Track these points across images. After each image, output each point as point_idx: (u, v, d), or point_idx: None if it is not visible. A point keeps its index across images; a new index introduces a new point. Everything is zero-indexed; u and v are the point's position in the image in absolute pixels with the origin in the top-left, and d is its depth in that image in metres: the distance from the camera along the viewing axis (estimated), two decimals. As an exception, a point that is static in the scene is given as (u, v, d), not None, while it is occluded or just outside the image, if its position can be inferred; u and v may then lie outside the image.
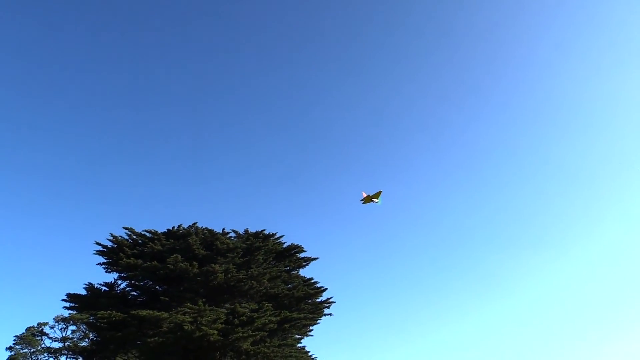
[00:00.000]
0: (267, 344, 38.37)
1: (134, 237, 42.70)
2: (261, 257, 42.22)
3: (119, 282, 41.25)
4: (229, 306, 38.30)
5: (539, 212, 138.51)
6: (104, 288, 40.40)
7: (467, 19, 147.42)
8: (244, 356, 37.71)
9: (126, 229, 42.65)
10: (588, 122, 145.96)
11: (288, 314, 39.50)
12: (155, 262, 38.65)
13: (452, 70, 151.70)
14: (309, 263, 46.31)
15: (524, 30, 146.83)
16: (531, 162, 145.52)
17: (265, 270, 41.23)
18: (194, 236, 42.02)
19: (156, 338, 34.87)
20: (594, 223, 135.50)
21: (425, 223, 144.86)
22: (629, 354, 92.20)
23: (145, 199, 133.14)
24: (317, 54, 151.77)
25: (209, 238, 42.63)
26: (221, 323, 36.19)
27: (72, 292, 39.62)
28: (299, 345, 45.47)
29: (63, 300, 39.96)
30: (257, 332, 36.47)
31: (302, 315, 40.31)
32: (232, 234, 45.04)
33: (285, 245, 45.61)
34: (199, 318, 35.47)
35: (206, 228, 43.65)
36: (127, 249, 40.71)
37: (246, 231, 44.90)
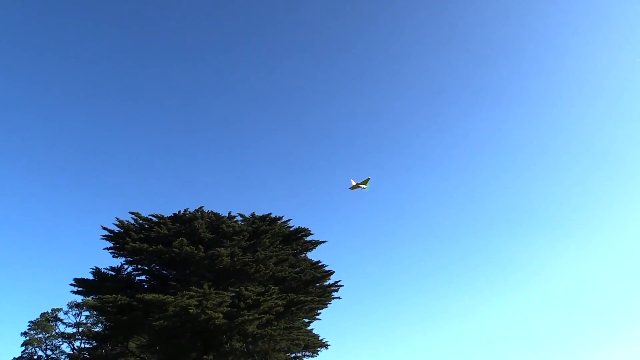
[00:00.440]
0: (273, 327, 38.10)
1: (140, 221, 42.60)
2: (267, 241, 41.85)
3: (126, 266, 41.22)
4: (234, 289, 37.97)
5: (562, 198, 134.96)
6: (110, 273, 40.40)
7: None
8: (250, 339, 37.55)
9: (132, 213, 42.56)
10: (619, 104, 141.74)
11: (295, 296, 39.15)
12: (160, 246, 38.52)
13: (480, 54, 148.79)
14: (316, 246, 45.87)
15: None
16: (553, 145, 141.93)
17: (271, 254, 40.85)
18: (199, 220, 41.78)
19: (161, 322, 34.76)
20: (621, 208, 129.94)
21: (440, 210, 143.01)
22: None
23: (154, 184, 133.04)
24: (322, 53, 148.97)
25: (215, 222, 42.40)
26: (226, 306, 36.03)
27: (79, 277, 39.76)
28: (308, 328, 45.23)
29: (71, 284, 40.22)
30: (262, 315, 36.16)
31: (309, 299, 39.90)
32: (239, 218, 44.72)
33: (292, 229, 45.18)
34: (204, 301, 35.28)
35: (212, 212, 43.45)
36: (133, 234, 40.66)
37: (252, 215, 44.53)
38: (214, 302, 35.48)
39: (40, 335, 66.03)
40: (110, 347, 50.54)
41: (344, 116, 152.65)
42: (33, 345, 64.75)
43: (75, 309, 67.92)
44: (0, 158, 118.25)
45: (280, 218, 44.58)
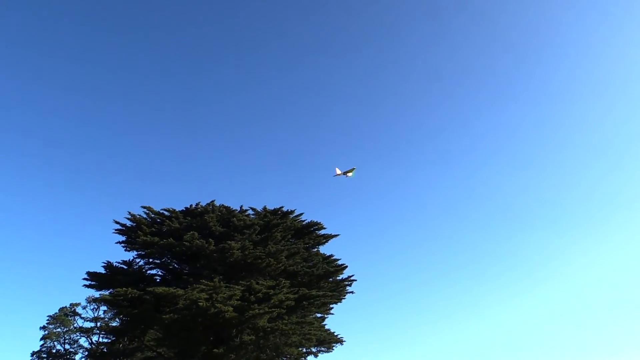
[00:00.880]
0: (284, 321, 37.71)
1: (152, 215, 42.58)
2: (279, 234, 41.46)
3: (137, 260, 41.24)
4: (245, 283, 37.65)
5: (580, 196, 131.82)
6: (122, 266, 40.42)
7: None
8: (261, 333, 37.15)
9: (144, 207, 42.60)
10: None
11: (306, 291, 38.68)
12: (171, 240, 38.40)
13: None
14: (328, 240, 45.36)
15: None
16: (572, 142, 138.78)
17: (283, 247, 40.44)
18: (210, 214, 41.58)
19: (172, 315, 34.63)
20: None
21: (457, 207, 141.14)
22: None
23: (167, 180, 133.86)
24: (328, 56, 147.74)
25: (226, 215, 42.17)
26: (237, 300, 35.67)
27: (91, 271, 39.87)
28: (321, 324, 44.72)
29: (84, 279, 40.36)
30: (273, 309, 35.76)
31: (321, 293, 39.42)
32: (251, 212, 44.47)
33: (304, 223, 44.72)
34: (214, 295, 35.02)
35: (223, 205, 43.24)
36: (145, 227, 40.67)
37: (264, 208, 44.18)
38: (224, 295, 35.19)
39: (59, 330, 66.95)
40: (127, 342, 50.89)
41: (359, 113, 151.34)
42: (52, 340, 65.70)
43: (93, 304, 68.80)
44: (19, 158, 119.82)
45: (292, 212, 44.17)
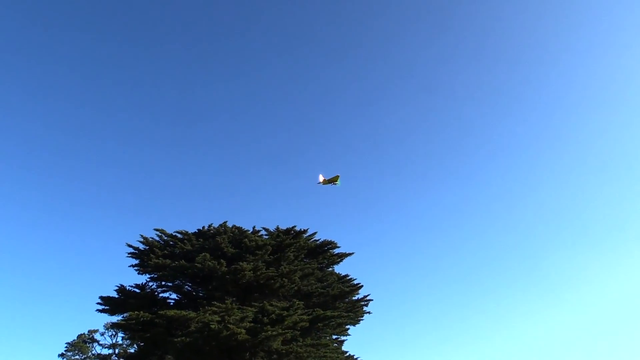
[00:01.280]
0: (299, 343, 36.81)
1: (165, 238, 42.34)
2: (292, 254, 40.81)
3: (150, 283, 40.90)
4: (258, 305, 36.97)
5: (614, 208, 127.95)
6: (135, 290, 40.11)
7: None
8: (275, 356, 36.29)
9: (157, 230, 42.38)
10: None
11: (321, 312, 37.84)
12: (183, 262, 38.04)
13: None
14: (342, 259, 44.56)
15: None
16: (608, 154, 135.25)
17: (296, 268, 39.78)
18: (223, 235, 41.21)
19: (184, 338, 34.04)
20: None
21: (483, 219, 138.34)
22: None
23: (182, 201, 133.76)
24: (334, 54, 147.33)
25: (238, 236, 41.73)
26: (249, 322, 35.02)
27: (104, 295, 39.64)
28: (336, 345, 43.66)
29: (97, 303, 40.10)
30: (287, 331, 34.98)
31: (335, 314, 38.49)
32: (263, 232, 43.96)
33: (317, 242, 44.06)
34: (226, 317, 34.43)
35: (235, 226, 42.86)
36: (157, 250, 40.41)
37: (277, 228, 43.67)
38: (236, 317, 34.58)
39: (77, 357, 66.74)
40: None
41: (371, 125, 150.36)
42: (70, 367, 65.45)
43: (111, 330, 68.64)
44: (44, 179, 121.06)
45: (305, 231, 43.55)
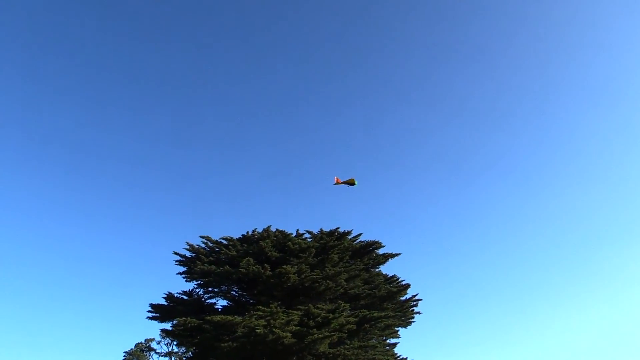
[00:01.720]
0: (346, 346, 36.28)
1: (210, 244, 42.73)
2: (336, 256, 40.28)
3: (197, 289, 41.35)
4: (302, 308, 36.65)
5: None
6: (183, 297, 40.65)
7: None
8: (322, 359, 35.82)
9: (203, 237, 42.88)
10: None
11: (367, 312, 37.15)
12: (227, 267, 38.24)
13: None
14: (387, 259, 43.61)
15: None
16: None
17: (341, 270, 39.24)
18: (266, 239, 41.21)
19: (230, 343, 34.16)
20: None
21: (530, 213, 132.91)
22: None
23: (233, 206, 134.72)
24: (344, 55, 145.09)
25: (282, 240, 41.60)
26: (295, 325, 34.76)
27: (154, 303, 40.36)
28: (387, 348, 42.75)
29: (148, 311, 40.88)
30: (333, 334, 34.50)
31: (382, 314, 37.65)
32: (307, 235, 43.71)
33: (362, 242, 43.37)
34: (271, 321, 34.31)
35: (278, 230, 42.80)
36: (203, 257, 40.84)
37: (320, 230, 43.33)
38: (282, 321, 34.37)
39: (135, 365, 68.64)
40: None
41: (414, 123, 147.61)
42: (129, 375, 67.33)
43: (167, 338, 70.22)
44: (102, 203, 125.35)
45: (349, 232, 42.96)
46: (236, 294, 41.65)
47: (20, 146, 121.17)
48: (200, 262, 40.08)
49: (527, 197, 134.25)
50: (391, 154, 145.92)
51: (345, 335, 35.87)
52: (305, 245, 40.19)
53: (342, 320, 35.55)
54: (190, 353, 66.61)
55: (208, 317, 35.41)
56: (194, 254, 41.94)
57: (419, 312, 43.79)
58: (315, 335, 34.02)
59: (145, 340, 69.73)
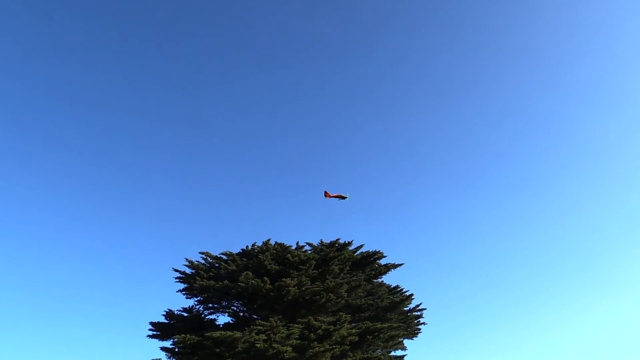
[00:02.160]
0: (349, 359, 35.58)
1: (210, 260, 42.41)
2: (337, 268, 39.79)
3: (197, 306, 40.84)
4: (301, 320, 36.05)
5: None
6: (183, 313, 40.15)
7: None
8: (325, 373, 35.08)
9: (202, 253, 42.59)
10: None
11: (369, 324, 36.50)
12: (226, 282, 37.80)
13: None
14: (389, 270, 43.00)
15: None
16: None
17: (342, 281, 38.68)
18: (265, 252, 40.79)
19: (230, 359, 33.58)
20: None
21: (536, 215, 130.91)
22: None
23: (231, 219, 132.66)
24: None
25: (281, 252, 41.15)
26: (295, 339, 34.15)
27: (154, 321, 39.87)
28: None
29: (149, 329, 40.39)
30: (334, 346, 33.84)
31: (385, 325, 36.94)
32: (308, 247, 43.27)
33: (363, 253, 42.82)
34: (272, 335, 33.75)
35: (277, 243, 42.34)
36: (203, 273, 40.45)
37: (321, 242, 42.89)
38: (282, 335, 33.81)
39: (142, 386, 67.92)
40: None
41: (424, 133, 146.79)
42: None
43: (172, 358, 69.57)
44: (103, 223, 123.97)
45: (349, 243, 42.44)
46: (237, 309, 41.10)
47: (15, 150, 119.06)
48: (200, 278, 39.69)
49: (529, 197, 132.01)
50: (392, 158, 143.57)
51: (347, 347, 35.17)
52: (305, 258, 39.70)
53: (343, 332, 34.90)
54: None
55: (208, 333, 34.85)
56: (193, 270, 41.57)
57: (424, 323, 43.18)
58: (317, 349, 33.38)
59: (151, 361, 68.93)
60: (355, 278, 40.38)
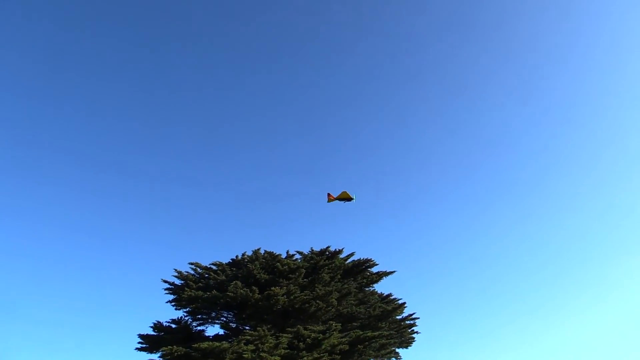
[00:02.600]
0: (340, 368, 34.92)
1: (200, 271, 41.91)
2: (327, 276, 39.25)
3: (186, 317, 40.26)
4: (291, 329, 35.45)
5: None
6: (171, 325, 39.57)
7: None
8: (315, 382, 34.41)
9: (192, 264, 42.08)
10: None
11: (360, 332, 35.90)
12: (215, 292, 37.28)
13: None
14: (381, 278, 42.43)
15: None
16: None
17: (332, 289, 38.14)
18: (255, 262, 40.33)
19: (217, 371, 32.94)
20: None
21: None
22: None
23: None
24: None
25: (270, 261, 40.65)
26: (284, 348, 33.56)
27: (142, 333, 39.28)
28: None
29: (138, 342, 39.77)
30: (323, 355, 33.27)
31: (376, 334, 36.33)
32: (298, 256, 42.79)
33: (354, 261, 42.33)
34: (259, 345, 33.16)
35: (267, 252, 41.87)
36: (192, 283, 39.94)
37: (311, 250, 42.42)
38: (270, 345, 33.19)
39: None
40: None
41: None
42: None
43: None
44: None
45: (340, 251, 41.97)
46: (227, 320, 40.49)
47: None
48: (189, 288, 39.17)
49: (522, 197, 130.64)
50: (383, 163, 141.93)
51: (338, 357, 34.59)
52: (295, 266, 39.22)
53: (333, 340, 34.34)
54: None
55: (196, 345, 34.22)
56: (183, 281, 41.06)
57: (417, 332, 42.53)
58: (306, 358, 32.88)
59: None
60: (346, 286, 39.84)
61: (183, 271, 41.35)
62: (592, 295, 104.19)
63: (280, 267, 39.00)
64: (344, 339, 35.23)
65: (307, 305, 37.10)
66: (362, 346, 36.15)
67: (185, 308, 39.80)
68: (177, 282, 41.19)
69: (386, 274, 42.64)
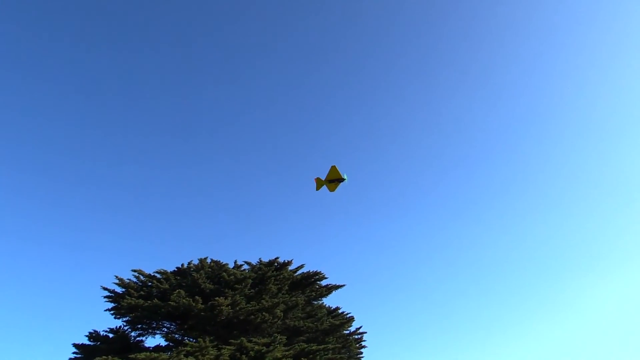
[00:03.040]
0: (283, 382, 33.92)
1: (143, 278, 40.25)
2: (274, 287, 38.35)
3: (126, 326, 38.51)
4: (234, 341, 34.29)
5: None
6: (109, 334, 37.76)
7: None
8: (256, 397, 33.34)
9: (135, 271, 40.37)
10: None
11: (304, 345, 35.09)
12: (156, 301, 35.81)
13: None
14: (331, 291, 41.90)
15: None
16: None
17: (278, 301, 37.25)
18: (200, 270, 39.06)
19: (154, 383, 31.43)
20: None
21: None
22: None
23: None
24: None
25: (217, 271, 39.52)
26: (226, 361, 32.39)
27: (77, 343, 37.31)
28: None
29: (72, 352, 37.78)
30: (267, 369, 32.28)
31: (321, 347, 35.62)
32: (246, 266, 41.75)
33: (303, 273, 41.62)
34: (200, 357, 31.87)
35: (213, 261, 40.71)
36: (133, 292, 38.28)
37: (260, 261, 41.48)
38: (210, 357, 31.97)
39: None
40: None
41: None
42: None
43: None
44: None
45: (289, 262, 41.20)
46: (168, 330, 38.94)
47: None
48: (130, 296, 37.50)
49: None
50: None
51: (281, 371, 33.61)
52: (242, 276, 38.21)
53: (277, 354, 33.38)
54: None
55: (132, 355, 32.64)
56: (124, 289, 39.33)
57: (365, 347, 42.05)
58: (248, 371, 31.74)
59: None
60: (293, 299, 39.04)
61: (125, 279, 39.65)
62: (547, 310, 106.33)
63: (226, 276, 37.90)
64: (288, 352, 34.30)
65: (252, 316, 36.10)
66: (306, 359, 35.32)
67: (125, 317, 38.09)
68: (118, 289, 39.47)
69: (335, 287, 42.13)
